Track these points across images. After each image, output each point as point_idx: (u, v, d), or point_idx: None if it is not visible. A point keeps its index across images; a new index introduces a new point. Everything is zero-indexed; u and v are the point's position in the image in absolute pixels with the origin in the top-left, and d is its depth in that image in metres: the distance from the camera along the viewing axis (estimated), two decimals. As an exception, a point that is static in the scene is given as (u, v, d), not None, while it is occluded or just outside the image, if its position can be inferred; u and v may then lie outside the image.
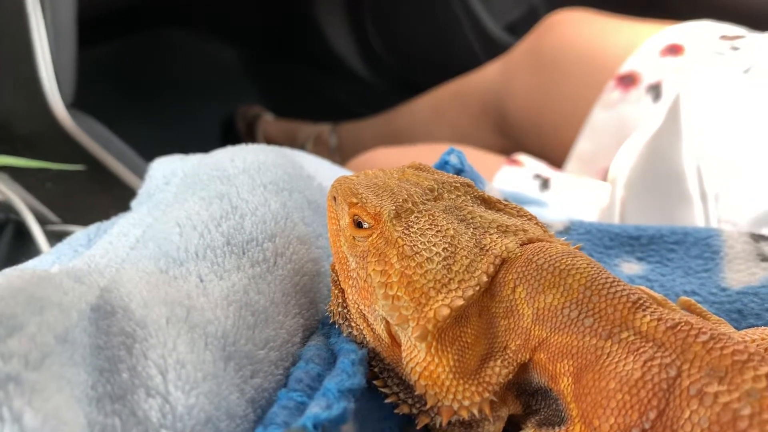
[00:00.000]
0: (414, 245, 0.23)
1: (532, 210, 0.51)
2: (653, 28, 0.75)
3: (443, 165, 0.35)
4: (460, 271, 0.23)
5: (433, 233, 0.24)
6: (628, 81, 0.71)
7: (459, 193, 0.26)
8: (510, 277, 0.23)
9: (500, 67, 0.90)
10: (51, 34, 0.60)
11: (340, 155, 1.18)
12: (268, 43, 1.40)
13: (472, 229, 0.24)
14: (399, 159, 0.68)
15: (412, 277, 0.23)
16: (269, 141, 1.28)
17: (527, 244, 0.24)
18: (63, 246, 0.33)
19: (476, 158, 0.67)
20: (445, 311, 0.22)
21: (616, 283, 0.22)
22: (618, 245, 0.34)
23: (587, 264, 0.23)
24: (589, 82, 0.75)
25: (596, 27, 0.80)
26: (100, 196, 0.56)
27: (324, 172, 0.37)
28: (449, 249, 0.23)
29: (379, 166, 0.69)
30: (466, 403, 0.22)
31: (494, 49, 1.14)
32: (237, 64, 1.38)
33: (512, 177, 0.63)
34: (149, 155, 1.22)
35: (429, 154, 0.66)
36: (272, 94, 1.38)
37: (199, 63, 1.32)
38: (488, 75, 0.92)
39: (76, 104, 0.65)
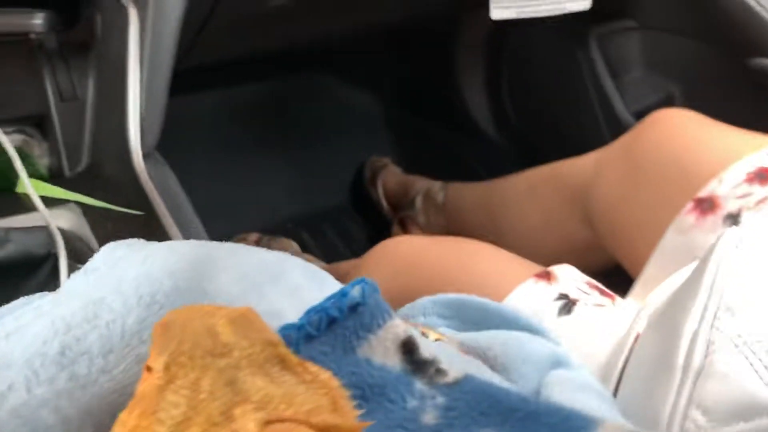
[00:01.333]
0: (159, 403, 0.24)
1: (517, 337, 0.49)
2: (757, 143, 0.68)
3: (341, 296, 0.35)
4: (195, 429, 0.24)
5: (186, 392, 0.25)
6: (706, 206, 0.65)
7: (253, 351, 0.27)
8: None
9: (597, 156, 0.87)
10: (143, 89, 0.69)
11: (445, 213, 1.20)
12: (407, 97, 1.45)
13: (232, 396, 0.25)
14: (423, 249, 0.68)
15: None
16: (387, 192, 1.32)
17: (277, 422, 0.24)
18: None
19: (506, 265, 0.65)
20: None
21: None
22: (494, 414, 0.32)
23: None
24: (671, 196, 0.69)
25: (696, 134, 0.74)
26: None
27: (248, 291, 0.37)
28: (189, 413, 0.24)
29: (403, 255, 0.70)
30: None
31: (622, 132, 1.10)
32: (374, 114, 1.45)
33: (531, 294, 0.60)
34: (278, 197, 1.32)
35: (452, 248, 0.65)
36: (403, 147, 1.44)
37: (338, 109, 1.40)
38: (584, 163, 0.88)
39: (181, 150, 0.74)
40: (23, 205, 0.62)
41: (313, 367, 0.28)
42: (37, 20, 0.65)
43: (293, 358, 0.27)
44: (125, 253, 0.38)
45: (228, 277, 0.38)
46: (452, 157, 1.38)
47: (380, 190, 1.33)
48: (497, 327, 0.53)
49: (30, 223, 0.59)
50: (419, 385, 0.35)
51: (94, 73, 0.72)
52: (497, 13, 0.94)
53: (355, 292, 0.35)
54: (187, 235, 0.63)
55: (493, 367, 0.48)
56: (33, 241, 0.56)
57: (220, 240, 1.31)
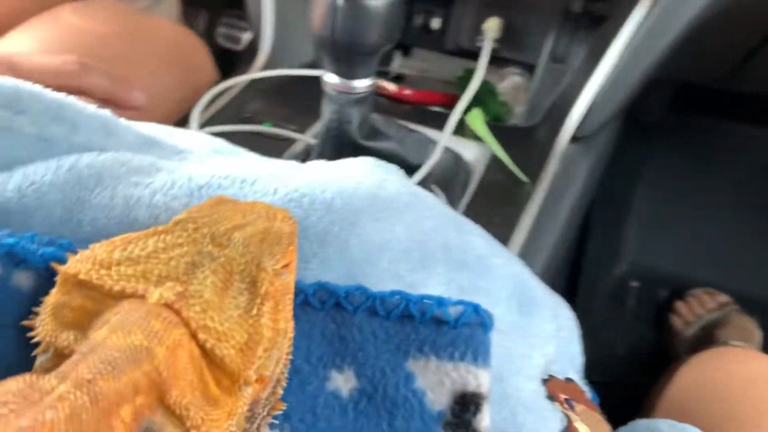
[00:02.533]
0: (140, 239, 0.26)
1: None
2: None
3: (438, 303, 0.31)
4: (129, 270, 0.25)
5: (160, 246, 0.26)
6: None
7: (238, 260, 0.26)
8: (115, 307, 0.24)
9: None
10: (609, 76, 0.67)
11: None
12: None
13: (180, 273, 0.25)
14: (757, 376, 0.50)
15: (104, 245, 0.26)
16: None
17: (173, 312, 0.24)
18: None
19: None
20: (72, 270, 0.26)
21: None
22: None
23: None
24: None
25: None
26: (503, 207, 0.63)
27: (406, 254, 0.34)
28: (141, 258, 0.25)
29: (732, 371, 0.53)
30: None
31: None
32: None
33: None
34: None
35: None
36: None
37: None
38: None
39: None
40: (460, 128, 0.69)
41: (267, 309, 0.26)
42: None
43: (262, 290, 0.26)
44: (373, 173, 0.39)
45: (404, 230, 0.34)
46: None
47: (736, 329, 1.00)
48: None
49: (445, 141, 0.65)
50: (439, 438, 0.29)
51: (589, 45, 0.72)
52: None
53: (452, 310, 0.31)
54: (537, 222, 0.60)
55: None
56: (416, 150, 0.62)
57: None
